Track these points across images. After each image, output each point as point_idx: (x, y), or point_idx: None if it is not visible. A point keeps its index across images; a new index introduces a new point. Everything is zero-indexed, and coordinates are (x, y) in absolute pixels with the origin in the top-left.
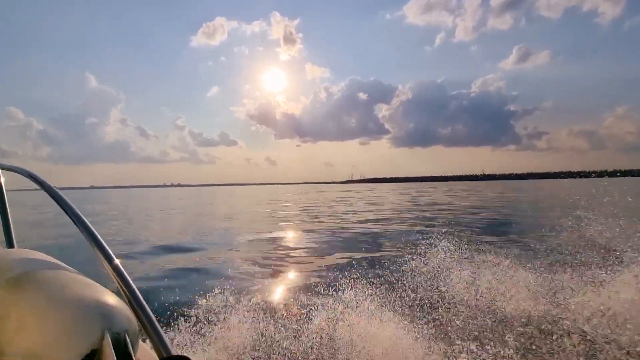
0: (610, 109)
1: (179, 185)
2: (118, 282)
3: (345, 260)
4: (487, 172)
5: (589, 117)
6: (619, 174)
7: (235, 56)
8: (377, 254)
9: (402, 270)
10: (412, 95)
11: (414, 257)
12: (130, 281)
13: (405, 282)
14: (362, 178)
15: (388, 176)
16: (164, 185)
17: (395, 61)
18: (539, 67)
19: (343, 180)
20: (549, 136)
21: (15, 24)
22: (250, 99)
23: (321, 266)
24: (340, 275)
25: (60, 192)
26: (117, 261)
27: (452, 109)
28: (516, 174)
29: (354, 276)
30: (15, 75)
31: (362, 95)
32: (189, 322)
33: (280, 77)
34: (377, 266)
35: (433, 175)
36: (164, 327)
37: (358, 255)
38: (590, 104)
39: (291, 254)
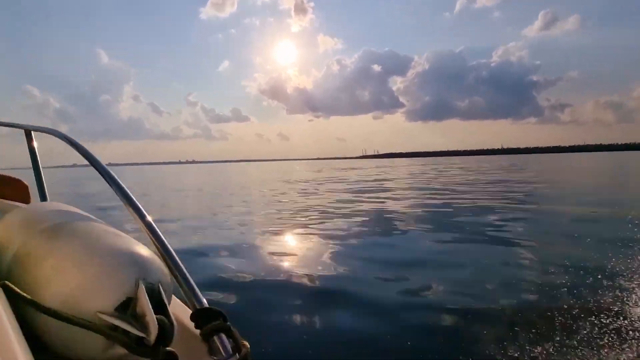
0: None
1: (193, 162)
2: (151, 238)
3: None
4: (506, 146)
5: (616, 88)
6: None
7: (245, 28)
8: None
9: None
10: (428, 67)
11: None
12: (163, 237)
13: None
14: (376, 153)
15: (402, 151)
16: (179, 162)
17: (412, 29)
18: (566, 33)
19: (357, 155)
20: (572, 108)
21: (21, 1)
22: (262, 73)
23: None
24: None
25: (93, 154)
26: (149, 218)
27: (471, 80)
28: (537, 148)
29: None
30: (29, 52)
31: (376, 68)
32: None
33: (291, 49)
34: None
35: (450, 149)
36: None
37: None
38: (619, 74)
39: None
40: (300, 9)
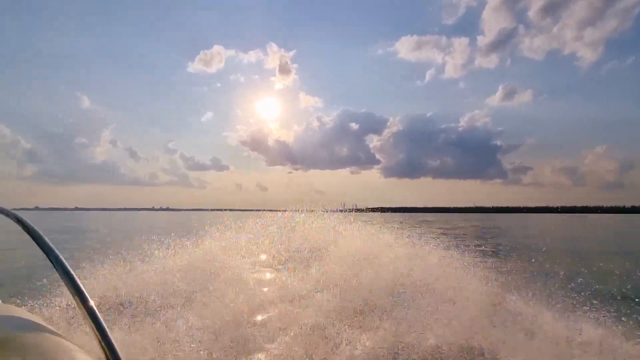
0: (590, 147)
1: (167, 209)
2: (92, 329)
3: None
4: (478, 205)
5: (570, 155)
6: (599, 210)
7: (231, 83)
8: None
9: None
10: (402, 127)
11: None
12: (105, 326)
13: None
14: (355, 207)
15: (379, 205)
16: (152, 209)
17: (387, 94)
18: (523, 104)
19: (335, 209)
20: (533, 172)
21: (4, 40)
22: (244, 125)
23: None
24: None
25: (46, 238)
26: (91, 303)
27: (441, 142)
28: (505, 207)
29: None
30: (3, 91)
31: (354, 126)
32: None
33: (274, 105)
34: None
35: (427, 206)
36: None
37: None
38: (571, 142)
39: None
40: (284, 69)
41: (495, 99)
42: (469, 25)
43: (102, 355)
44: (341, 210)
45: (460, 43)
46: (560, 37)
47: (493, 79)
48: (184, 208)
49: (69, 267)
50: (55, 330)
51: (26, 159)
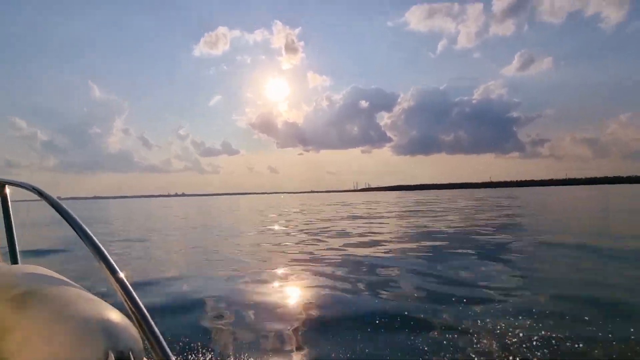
0: (613, 115)
1: (183, 194)
2: (123, 297)
3: None
4: (494, 180)
5: (591, 124)
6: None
7: (237, 65)
8: None
9: None
10: (414, 103)
11: None
12: (136, 296)
13: None
14: (367, 186)
15: (392, 184)
16: (168, 195)
17: (397, 68)
18: (542, 73)
19: (347, 189)
20: (551, 143)
21: (15, 30)
22: (252, 108)
23: None
24: None
25: (66, 207)
26: (121, 275)
27: (455, 116)
28: (523, 181)
29: None
30: (17, 84)
31: (364, 103)
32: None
33: (282, 85)
34: None
35: (440, 182)
36: (171, 345)
37: None
38: (593, 111)
39: None
40: (290, 48)
41: (511, 69)
42: None
43: (132, 316)
44: (354, 190)
45: (474, 9)
46: None
47: (509, 47)
48: (199, 193)
49: (95, 239)
50: (75, 283)
51: (47, 151)
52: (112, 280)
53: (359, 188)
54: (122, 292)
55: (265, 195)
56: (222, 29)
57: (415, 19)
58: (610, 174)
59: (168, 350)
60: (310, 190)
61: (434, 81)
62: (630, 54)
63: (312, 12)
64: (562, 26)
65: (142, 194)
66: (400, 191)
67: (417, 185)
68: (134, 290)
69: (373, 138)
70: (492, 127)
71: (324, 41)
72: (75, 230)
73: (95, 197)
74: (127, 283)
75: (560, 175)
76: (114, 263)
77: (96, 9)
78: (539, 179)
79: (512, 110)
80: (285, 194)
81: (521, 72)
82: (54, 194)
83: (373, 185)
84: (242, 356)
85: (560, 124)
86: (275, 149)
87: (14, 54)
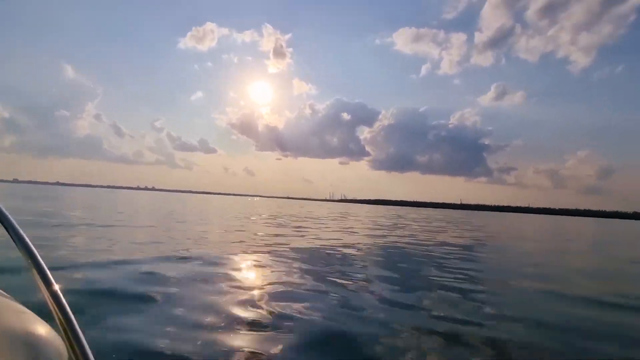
0: (572, 152)
1: (153, 189)
2: (54, 310)
3: None
4: (464, 202)
5: (553, 158)
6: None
7: (223, 63)
8: None
9: None
10: (394, 121)
11: None
12: (69, 310)
13: None
14: (343, 198)
15: (367, 197)
16: (137, 188)
17: (382, 85)
18: (514, 105)
19: (323, 198)
20: (517, 172)
21: None
22: (234, 108)
23: None
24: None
25: (3, 208)
26: (56, 287)
27: (431, 138)
28: (489, 206)
29: None
30: None
31: (346, 116)
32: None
33: (266, 89)
34: None
35: (414, 200)
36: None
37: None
38: (556, 146)
39: None
40: (279, 53)
41: (486, 98)
42: (468, 21)
43: (66, 342)
44: (329, 200)
45: (458, 38)
46: (555, 40)
47: (487, 77)
48: (170, 189)
49: (31, 245)
50: (4, 292)
51: (4, 129)
52: (46, 292)
53: (335, 198)
54: (55, 306)
55: (239, 197)
56: (210, 25)
57: (402, 40)
58: (567, 206)
59: None
60: (286, 196)
61: (414, 102)
62: (593, 97)
63: (304, 21)
64: (535, 64)
65: (109, 184)
66: (375, 205)
67: (392, 200)
68: (68, 304)
69: (352, 150)
70: (465, 152)
71: (312, 50)
72: (9, 234)
73: (57, 183)
74: (61, 296)
75: (524, 203)
76: (49, 274)
77: None
78: (505, 204)
79: (484, 138)
80: (259, 197)
81: (495, 102)
82: (10, 175)
83: (349, 197)
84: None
85: (526, 154)
86: (253, 152)
87: None
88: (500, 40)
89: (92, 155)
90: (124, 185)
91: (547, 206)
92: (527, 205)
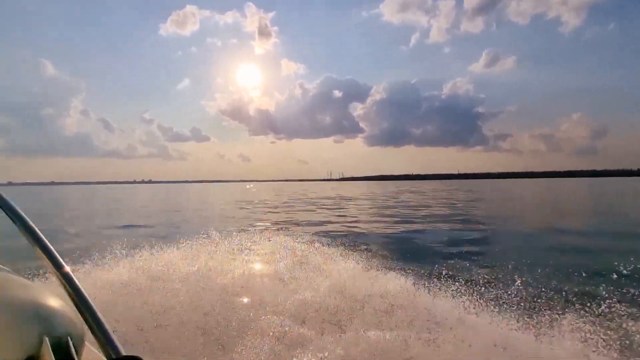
0: (566, 115)
1: (149, 181)
2: (67, 290)
3: None
4: (461, 172)
5: (548, 122)
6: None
7: (207, 47)
8: None
9: None
10: (386, 95)
11: None
12: (80, 286)
13: None
14: (342, 176)
15: (364, 174)
16: (134, 182)
17: (371, 59)
18: (506, 71)
19: (321, 178)
20: (512, 138)
21: None
22: (223, 93)
23: None
24: None
25: (6, 197)
26: (67, 268)
27: (424, 109)
28: (487, 173)
29: None
30: None
31: (337, 94)
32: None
33: (254, 71)
34: None
35: (412, 173)
36: (115, 330)
37: None
38: (550, 110)
39: None
40: (264, 32)
41: (478, 66)
42: None
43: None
44: (328, 180)
45: (446, 5)
46: (546, 0)
47: (478, 44)
48: (167, 180)
49: (39, 232)
50: (10, 270)
51: None
52: (58, 274)
53: (333, 177)
54: (68, 286)
55: (238, 183)
56: (191, 8)
57: (389, 11)
58: (562, 169)
59: (110, 333)
60: (284, 179)
61: (406, 74)
62: (585, 58)
63: None
64: (526, 27)
65: (105, 180)
66: (376, 181)
67: (392, 175)
68: (79, 281)
69: (346, 128)
70: (459, 122)
71: (298, 28)
72: (15, 224)
73: (52, 183)
74: (74, 277)
75: (521, 169)
76: (58, 256)
77: None
78: (502, 171)
79: (478, 106)
80: (254, 182)
81: (487, 69)
82: (4, 178)
83: (347, 175)
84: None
85: (520, 120)
86: (246, 137)
87: None
88: (490, 5)
89: (84, 152)
90: (120, 180)
91: (545, 170)
92: (524, 170)
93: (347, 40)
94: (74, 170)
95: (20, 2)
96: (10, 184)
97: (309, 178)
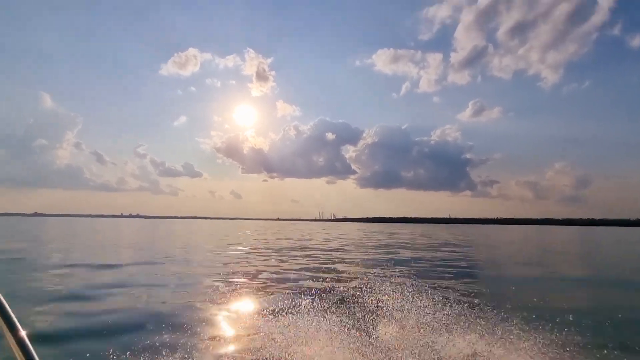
0: (550, 164)
1: (137, 215)
2: (19, 356)
3: None
4: (453, 216)
5: (533, 170)
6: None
7: (206, 88)
8: None
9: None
10: (377, 139)
11: None
12: (35, 356)
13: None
14: (333, 217)
15: (356, 216)
16: (121, 216)
17: (364, 104)
18: (492, 120)
19: (312, 218)
20: (499, 185)
21: None
22: (219, 132)
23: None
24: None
25: None
26: (22, 333)
27: (415, 154)
28: (477, 219)
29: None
30: None
31: (330, 136)
32: None
33: (250, 112)
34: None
35: (403, 216)
36: None
37: None
38: (534, 158)
39: None
40: (261, 76)
41: (465, 114)
42: (443, 41)
43: None
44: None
45: (435, 58)
46: (526, 58)
47: (464, 95)
48: (156, 215)
49: None
50: None
51: None
52: (11, 338)
53: (324, 217)
54: (20, 353)
55: (230, 220)
56: (192, 51)
57: (381, 61)
58: (549, 216)
59: None
60: (275, 218)
61: (396, 120)
62: (564, 111)
63: (285, 45)
64: (509, 81)
65: (91, 213)
66: (367, 223)
67: (382, 217)
68: (35, 351)
69: (338, 169)
70: (448, 167)
71: (295, 73)
72: None
73: (35, 214)
74: (28, 343)
75: (509, 215)
76: (14, 317)
77: (54, 15)
78: (491, 217)
79: (466, 153)
80: (245, 220)
81: (474, 118)
82: None
83: (339, 216)
84: None
85: (507, 167)
86: (239, 174)
87: None
88: (474, 60)
89: (73, 184)
90: (106, 214)
91: (531, 216)
92: (511, 217)
93: (341, 86)
94: (61, 202)
95: (23, 34)
96: None
97: (301, 217)
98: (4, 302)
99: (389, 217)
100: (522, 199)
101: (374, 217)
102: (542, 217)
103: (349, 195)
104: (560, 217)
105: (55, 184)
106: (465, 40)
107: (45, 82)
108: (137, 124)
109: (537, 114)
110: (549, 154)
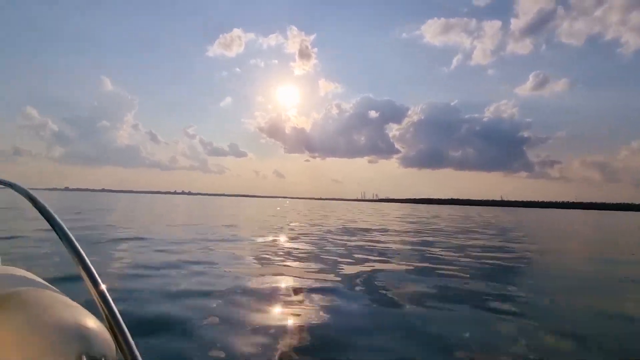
0: (625, 142)
1: (189, 193)
2: (102, 307)
3: None
4: (505, 199)
5: (603, 149)
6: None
7: (250, 68)
8: None
9: None
10: (424, 117)
11: None
12: (114, 307)
13: None
14: (375, 197)
15: (398, 196)
16: (175, 192)
17: (409, 80)
18: (556, 94)
19: (354, 198)
20: (561, 165)
21: (34, 24)
22: (262, 112)
23: None
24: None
25: (53, 212)
26: (103, 286)
27: (464, 132)
28: (533, 202)
29: None
30: (33, 74)
31: (374, 114)
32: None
33: (293, 91)
34: None
35: (450, 197)
36: (144, 354)
37: None
38: (605, 136)
39: None
40: (304, 54)
41: (525, 88)
42: (502, 7)
43: (110, 330)
44: (362, 200)
45: (492, 26)
46: (603, 21)
47: (525, 66)
48: (205, 193)
49: (80, 248)
50: (54, 287)
51: (55, 141)
52: (93, 291)
53: (366, 198)
54: (102, 304)
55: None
56: (237, 31)
57: (430, 32)
58: (621, 200)
59: (139, 357)
60: (317, 197)
61: (445, 96)
62: None
63: (328, 20)
64: (580, 49)
65: (148, 190)
66: (414, 204)
67: (428, 199)
68: (114, 301)
69: (381, 149)
70: (502, 146)
71: (338, 49)
72: (60, 238)
73: (103, 190)
74: (108, 295)
75: (570, 198)
76: (95, 274)
77: (112, 4)
78: (549, 200)
79: (523, 130)
80: (288, 199)
81: (535, 92)
82: (62, 184)
83: (381, 196)
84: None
85: (571, 146)
86: (282, 154)
87: (31, 43)
88: (539, 25)
89: (131, 162)
90: (162, 190)
91: (597, 200)
92: (573, 200)
93: (386, 61)
94: (121, 179)
95: (85, 23)
96: (67, 189)
97: (342, 197)
98: (87, 258)
99: (436, 199)
100: (589, 181)
101: (419, 198)
102: (613, 202)
103: (391, 174)
104: (633, 202)
105: (116, 161)
106: (529, 4)
107: (104, 66)
108: (186, 105)
109: (613, 85)
110: (624, 132)
